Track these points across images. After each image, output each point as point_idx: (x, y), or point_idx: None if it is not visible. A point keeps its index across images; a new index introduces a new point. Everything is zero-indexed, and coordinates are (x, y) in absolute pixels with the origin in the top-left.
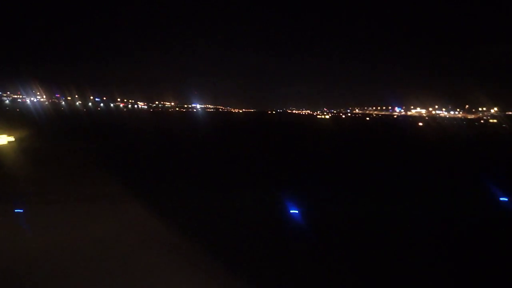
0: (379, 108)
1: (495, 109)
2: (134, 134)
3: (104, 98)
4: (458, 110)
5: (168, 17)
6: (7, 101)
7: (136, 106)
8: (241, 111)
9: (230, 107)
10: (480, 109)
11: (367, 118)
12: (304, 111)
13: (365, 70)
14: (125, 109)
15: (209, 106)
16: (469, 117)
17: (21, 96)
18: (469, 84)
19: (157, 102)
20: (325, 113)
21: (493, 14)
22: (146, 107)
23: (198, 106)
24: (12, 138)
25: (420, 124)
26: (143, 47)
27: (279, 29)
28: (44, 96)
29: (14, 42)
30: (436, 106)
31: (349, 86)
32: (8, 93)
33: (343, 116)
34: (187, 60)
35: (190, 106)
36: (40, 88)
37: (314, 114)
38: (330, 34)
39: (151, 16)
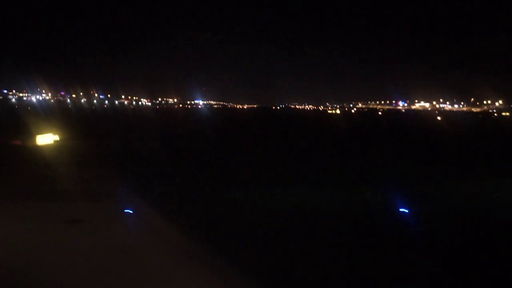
0: (382, 102)
1: (500, 102)
2: (168, 131)
3: (109, 96)
4: (462, 103)
5: (170, 15)
6: (13, 99)
7: (140, 103)
8: (245, 107)
9: (232, 103)
10: (484, 102)
11: (379, 113)
12: (306, 106)
13: (367, 64)
14: (131, 106)
15: (212, 102)
16: (474, 110)
17: (26, 94)
18: (472, 77)
19: (160, 99)
20: (335, 108)
21: (495, 6)
22: (150, 104)
23: (201, 102)
24: (57, 137)
25: (439, 118)
26: (145, 44)
27: (280, 24)
28: (50, 94)
29: (18, 40)
30: (441, 100)
31: (351, 80)
32: (14, 91)
33: (353, 111)
34: (188, 57)
35: (193, 102)
36: (45, 86)
37: (320, 108)
38: (332, 28)
39: (153, 13)
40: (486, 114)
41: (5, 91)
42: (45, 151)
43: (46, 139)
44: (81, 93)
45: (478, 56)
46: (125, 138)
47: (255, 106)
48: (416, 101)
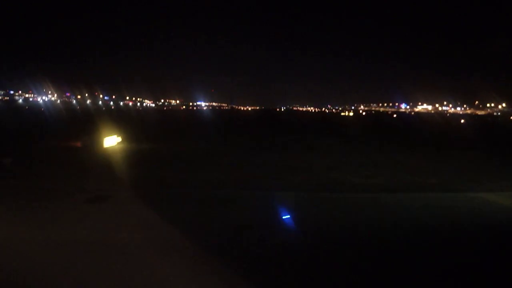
0: (385, 104)
1: (503, 104)
2: (213, 130)
3: (113, 97)
4: (464, 106)
5: (173, 18)
6: (20, 100)
7: (144, 104)
8: (249, 109)
9: (233, 105)
10: (488, 105)
11: (394, 115)
12: (308, 108)
13: (370, 67)
14: (140, 108)
15: (214, 104)
16: (479, 113)
17: (32, 95)
18: (475, 79)
19: (163, 100)
20: (346, 111)
21: (499, 8)
22: (153, 105)
23: (203, 104)
24: (120, 139)
25: (462, 121)
26: (148, 46)
27: (281, 26)
28: (55, 95)
29: (24, 42)
30: (445, 102)
31: (352, 82)
32: (20, 92)
33: (363, 113)
34: (191, 59)
35: (195, 104)
36: (50, 87)
37: (326, 111)
38: (333, 30)
39: (157, 17)
40: (502, 117)
41: (12, 92)
42: (123, 153)
43: (111, 141)
44: (86, 94)
45: (481, 58)
46: (181, 140)
47: (257, 108)
48: (420, 103)
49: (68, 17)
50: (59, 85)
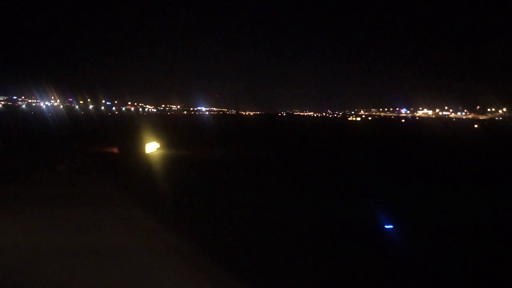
0: (385, 109)
1: (504, 109)
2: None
3: (116, 102)
4: (465, 111)
5: (174, 24)
6: (23, 106)
7: (146, 109)
8: (251, 114)
9: (234, 110)
10: (488, 109)
11: (402, 120)
12: (308, 113)
13: (369, 72)
14: (144, 113)
15: (214, 109)
16: (480, 117)
17: (35, 101)
18: (475, 83)
19: (163, 105)
20: (350, 115)
21: (499, 12)
22: (155, 110)
23: (204, 108)
24: (158, 145)
25: (476, 126)
26: (149, 51)
27: (279, 30)
28: (58, 100)
29: (26, 47)
30: (446, 107)
31: (353, 87)
32: (23, 97)
33: (369, 118)
34: (192, 64)
35: (196, 109)
36: (53, 92)
37: (328, 115)
38: (332, 34)
39: (157, 22)
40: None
41: (15, 97)
42: (170, 160)
43: (151, 147)
44: (89, 100)
45: (481, 62)
46: (217, 145)
47: (258, 112)
48: (420, 108)
49: (70, 22)
50: (62, 90)
